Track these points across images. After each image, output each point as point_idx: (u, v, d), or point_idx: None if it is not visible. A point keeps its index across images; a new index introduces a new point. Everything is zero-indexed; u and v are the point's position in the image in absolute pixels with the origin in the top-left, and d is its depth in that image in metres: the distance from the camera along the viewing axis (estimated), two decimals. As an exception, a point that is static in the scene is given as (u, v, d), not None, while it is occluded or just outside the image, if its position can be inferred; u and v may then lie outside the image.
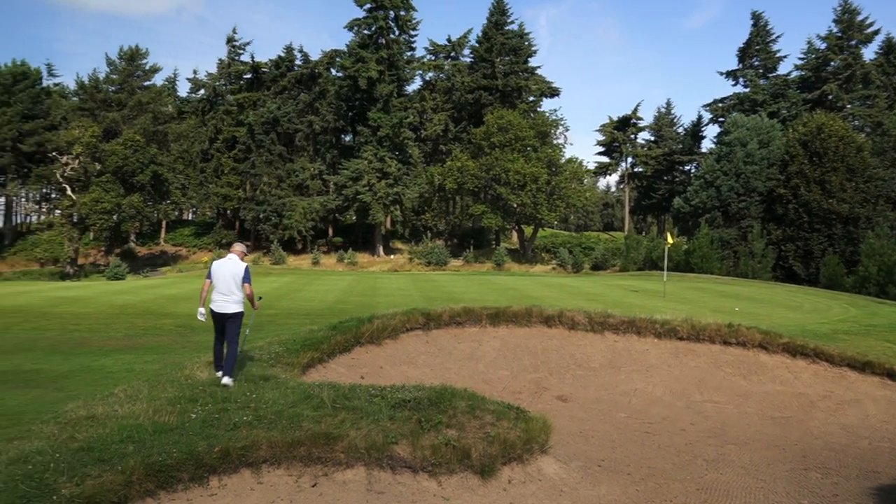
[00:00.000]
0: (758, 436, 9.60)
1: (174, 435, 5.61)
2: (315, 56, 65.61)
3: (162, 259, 60.51)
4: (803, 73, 75.18)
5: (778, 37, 74.70)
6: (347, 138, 69.03)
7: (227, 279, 8.14)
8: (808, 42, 76.64)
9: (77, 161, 51.22)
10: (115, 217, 50.87)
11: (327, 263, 52.97)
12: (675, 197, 57.16)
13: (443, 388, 7.02)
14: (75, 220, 51.56)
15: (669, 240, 27.53)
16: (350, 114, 63.51)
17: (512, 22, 67.20)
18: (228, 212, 67.12)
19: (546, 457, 6.95)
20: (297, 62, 64.49)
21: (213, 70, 68.86)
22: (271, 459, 5.66)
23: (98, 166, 51.40)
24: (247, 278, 8.28)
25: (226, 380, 7.70)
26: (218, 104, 65.03)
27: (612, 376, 12.04)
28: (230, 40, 65.81)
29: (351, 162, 58.34)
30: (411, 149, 60.41)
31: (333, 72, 64.52)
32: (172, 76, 76.91)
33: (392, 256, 60.60)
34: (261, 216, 59.97)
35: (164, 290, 25.13)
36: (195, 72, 76.75)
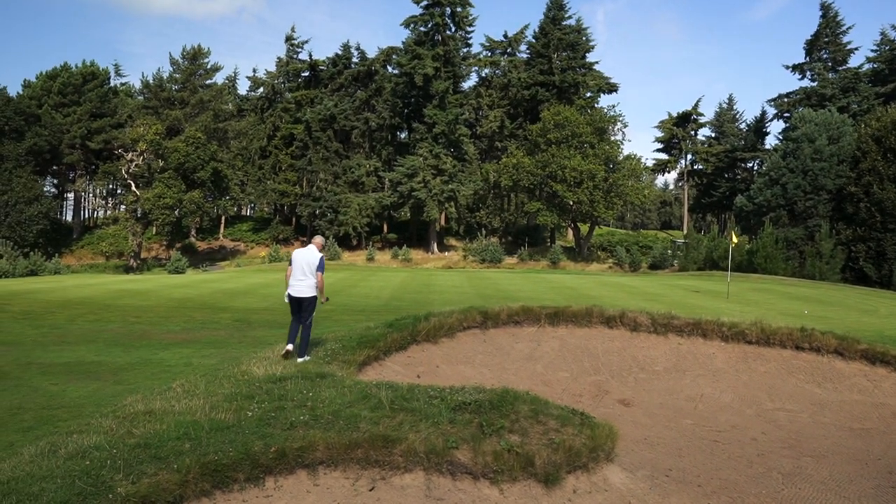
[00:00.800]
0: (836, 448, 9.01)
1: (230, 433, 5.50)
2: (371, 54, 66.20)
3: (221, 254, 61.90)
4: (875, 65, 72.00)
5: (849, 28, 71.82)
6: (403, 135, 69.26)
7: (303, 266, 9.26)
8: (882, 33, 73.22)
9: (141, 158, 52.81)
10: (176, 212, 52.24)
11: (382, 260, 53.23)
12: (738, 195, 55.35)
13: (504, 390, 6.75)
14: (139, 215, 53.17)
15: (734, 239, 26.54)
16: (406, 111, 63.68)
17: (569, 17, 66.30)
18: (286, 208, 68.18)
19: (612, 465, 6.61)
20: (354, 60, 65.03)
21: (272, 68, 70.20)
22: (328, 461, 5.49)
23: (161, 163, 52.90)
24: (320, 267, 9.32)
25: (300, 359, 8.90)
26: (276, 102, 66.12)
27: (676, 380, 11.55)
28: (289, 39, 66.81)
29: (406, 159, 58.48)
30: (466, 146, 60.20)
31: (389, 69, 64.81)
32: (233, 75, 78.75)
33: (446, 253, 60.55)
34: (317, 212, 60.71)
35: (222, 285, 25.54)
36: (254, 70, 78.51)
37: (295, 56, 67.37)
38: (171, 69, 64.73)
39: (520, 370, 11.59)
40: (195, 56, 65.23)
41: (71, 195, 66.01)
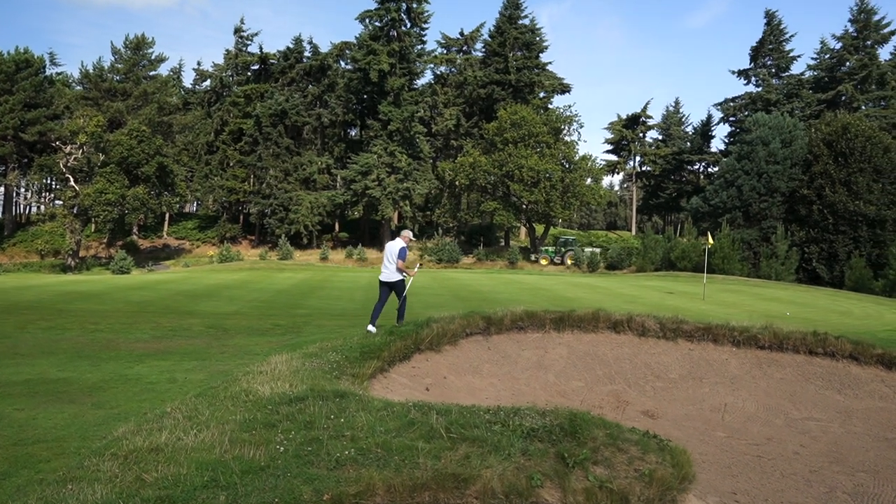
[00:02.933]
0: (884, 462, 8.45)
1: (268, 477, 4.45)
2: (324, 48, 64.40)
3: (165, 253, 59.22)
4: (816, 73, 74.21)
5: (791, 36, 73.77)
6: (355, 132, 67.77)
7: (388, 255, 11.23)
8: (822, 42, 75.64)
9: (81, 151, 49.93)
10: (118, 209, 49.56)
11: (336, 259, 51.75)
12: (694, 196, 56.05)
13: (572, 412, 5.86)
14: (77, 212, 50.25)
15: (710, 241, 26.37)
16: (359, 107, 62.32)
17: (525, 16, 66.00)
18: (233, 205, 65.90)
19: (688, 494, 5.80)
20: (307, 54, 63.22)
21: (217, 62, 67.60)
22: (389, 507, 4.49)
23: (102, 157, 50.10)
24: (400, 255, 11.16)
25: (397, 323, 11.30)
26: (224, 95, 63.74)
27: (695, 389, 10.90)
28: (238, 31, 64.48)
29: (360, 156, 57.14)
30: (422, 144, 59.25)
31: (343, 64, 63.27)
32: (178, 66, 75.65)
33: (401, 253, 59.35)
34: (267, 210, 58.76)
35: (180, 286, 23.90)
36: (199, 63, 75.43)
37: (244, 49, 65.07)
38: (112, 59, 61.63)
39: (531, 380, 10.75)
40: (138, 46, 62.23)
41: (1, 189, 62.06)
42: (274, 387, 7.15)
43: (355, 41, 59.41)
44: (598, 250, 55.36)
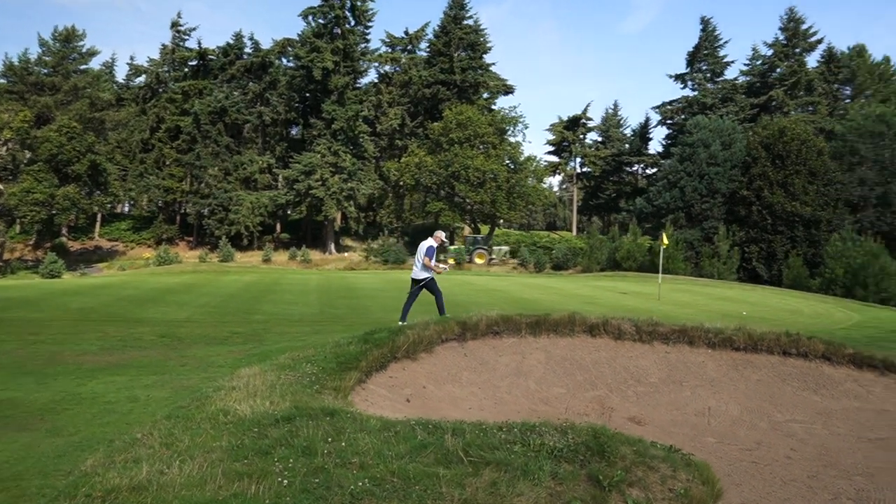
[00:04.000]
0: (876, 464, 8.37)
1: (280, 518, 3.86)
2: (266, 45, 62.71)
3: (97, 255, 56.49)
4: (749, 78, 76.69)
5: (725, 42, 75.95)
6: (294, 131, 66.23)
7: (417, 254, 12.07)
8: (754, 49, 78.33)
9: (5, 148, 47.11)
10: (47, 209, 46.94)
11: (279, 261, 50.36)
12: (638, 197, 56.97)
13: (595, 429, 5.44)
14: (1, 212, 47.41)
15: (665, 241, 26.58)
16: (302, 105, 60.97)
17: (470, 17, 65.89)
18: (170, 205, 63.52)
19: (712, 512, 5.46)
20: (247, 50, 61.38)
21: (152, 57, 64.99)
22: (418, 547, 3.97)
23: (29, 154, 47.39)
24: (427, 253, 11.90)
25: (441, 315, 11.78)
26: (161, 92, 61.34)
27: (676, 393, 10.69)
28: (174, 25, 62.12)
29: (303, 155, 55.87)
30: (366, 143, 58.38)
31: (285, 62, 61.80)
32: (110, 61, 72.21)
33: (345, 254, 58.42)
34: (205, 210, 56.82)
35: (121, 291, 22.53)
36: (132, 58, 72.15)
37: (181, 44, 62.73)
38: (39, 51, 58.42)
39: (512, 387, 10.33)
40: (68, 38, 59.15)
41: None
42: (254, 405, 6.50)
43: (298, 38, 58.07)
44: (506, 248, 55.16)
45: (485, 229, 62.01)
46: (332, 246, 59.22)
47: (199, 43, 62.05)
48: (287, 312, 16.38)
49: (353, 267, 49.08)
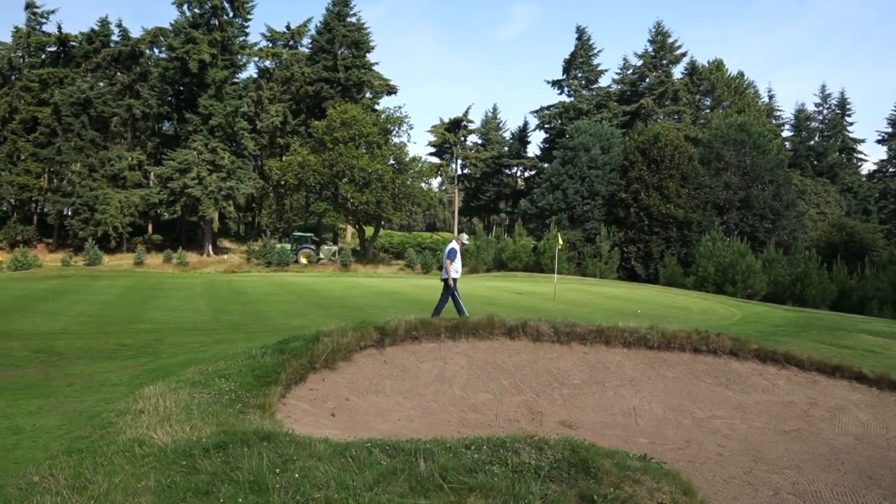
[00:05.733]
0: (798, 456, 8.60)
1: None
2: (136, 33, 58.59)
3: (-63, 259, 50.50)
4: (621, 86, 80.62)
5: (599, 51, 79.32)
6: (167, 126, 62.43)
7: (442, 257, 13.23)
8: (625, 59, 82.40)
9: None
10: None
11: (152, 264, 47.10)
12: (522, 199, 58.16)
13: (573, 443, 5.04)
14: None
15: (560, 242, 27.02)
16: (176, 99, 57.51)
17: (354, 14, 64.84)
18: (26, 204, 58.00)
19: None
20: (115, 38, 57.03)
21: (7, 40, 59.07)
22: None
23: None
24: (448, 256, 12.97)
25: (463, 315, 12.40)
26: (14, 79, 55.81)
27: (600, 394, 10.61)
28: (30, 6, 56.65)
29: (177, 152, 52.65)
30: (246, 141, 55.92)
31: (157, 52, 58.07)
32: (-50, 44, 64.90)
33: (225, 256, 55.69)
34: (68, 210, 52.30)
35: (-29, 300, 19.91)
36: (-23, 41, 65.04)
37: (38, 27, 57.34)
38: None
39: (438, 395, 9.83)
40: None
41: None
42: (172, 432, 5.63)
43: (171, 28, 54.66)
44: (335, 248, 54.17)
45: (370, 230, 61.17)
46: (210, 248, 56.29)
47: (60, 27, 56.95)
48: (178, 320, 15.01)
49: (234, 270, 46.77)
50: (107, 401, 7.28)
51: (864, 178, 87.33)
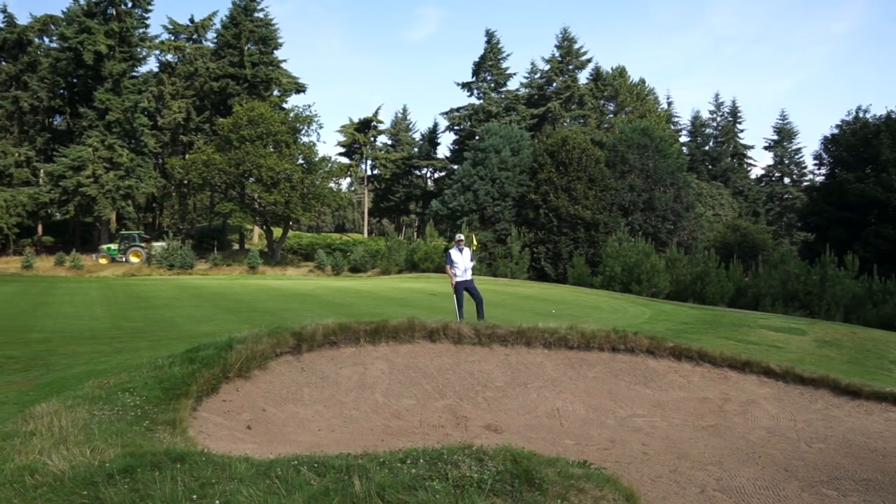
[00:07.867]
0: (717, 452, 8.74)
1: None
2: (23, 20, 54.68)
3: None
4: (529, 90, 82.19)
5: (508, 55, 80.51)
6: (59, 120, 58.71)
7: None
8: (533, 63, 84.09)
9: None
10: None
11: (43, 267, 43.99)
12: (434, 199, 58.13)
13: (512, 452, 4.79)
14: None
15: (475, 243, 26.96)
16: (69, 92, 54.07)
17: (261, 9, 62.97)
18: None
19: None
20: None
21: None
22: None
23: None
24: (447, 262, 13.92)
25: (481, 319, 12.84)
26: None
27: (523, 396, 10.49)
28: None
29: (70, 148, 49.53)
30: (146, 137, 53.26)
31: (48, 41, 54.40)
32: None
33: (123, 259, 52.73)
34: (-55, 210, 48.15)
35: None
36: None
37: None
38: None
39: (359, 402, 9.42)
40: None
41: None
42: (70, 456, 5.02)
43: (63, 16, 51.32)
44: (163, 244, 51.81)
45: (278, 232, 59.58)
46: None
47: (-67, 11, 52.44)
48: (73, 328, 13.86)
49: (133, 273, 44.36)
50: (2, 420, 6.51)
51: (753, 182, 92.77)
